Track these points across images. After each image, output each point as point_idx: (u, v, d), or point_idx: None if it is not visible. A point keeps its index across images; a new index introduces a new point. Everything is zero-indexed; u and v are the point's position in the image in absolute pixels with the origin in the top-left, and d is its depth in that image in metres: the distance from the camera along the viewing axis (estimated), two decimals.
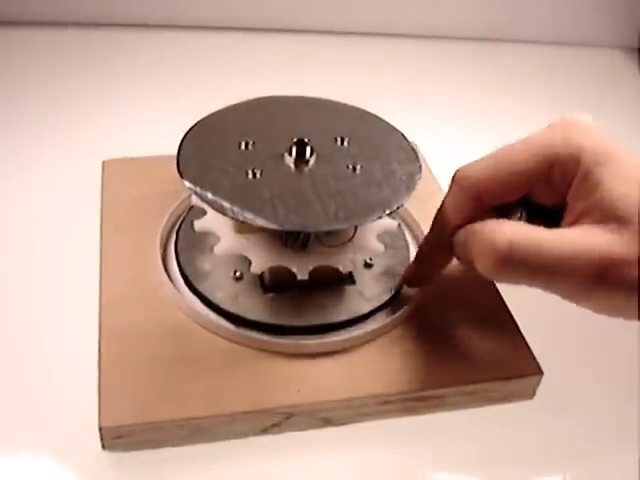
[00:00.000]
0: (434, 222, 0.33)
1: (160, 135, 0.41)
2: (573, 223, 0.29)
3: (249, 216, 0.31)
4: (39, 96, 0.53)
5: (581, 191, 0.29)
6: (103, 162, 0.44)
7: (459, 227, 0.31)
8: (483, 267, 0.29)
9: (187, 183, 0.33)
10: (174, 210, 0.40)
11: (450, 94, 0.57)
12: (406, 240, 0.40)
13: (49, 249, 0.41)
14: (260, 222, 0.31)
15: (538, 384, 0.34)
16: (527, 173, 0.30)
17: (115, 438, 0.30)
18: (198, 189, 0.33)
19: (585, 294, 0.28)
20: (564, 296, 0.29)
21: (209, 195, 0.32)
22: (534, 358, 0.34)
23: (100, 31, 0.61)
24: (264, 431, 0.32)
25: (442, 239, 0.32)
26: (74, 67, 0.57)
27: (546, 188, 0.30)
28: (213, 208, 0.32)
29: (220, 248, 0.35)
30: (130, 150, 0.44)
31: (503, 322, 0.36)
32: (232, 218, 0.32)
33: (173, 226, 0.40)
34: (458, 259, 0.32)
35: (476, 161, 0.31)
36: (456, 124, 0.54)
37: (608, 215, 0.27)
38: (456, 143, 0.51)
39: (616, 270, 0.26)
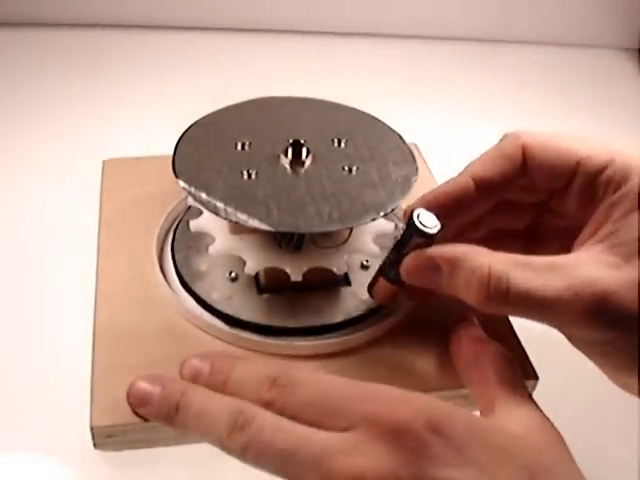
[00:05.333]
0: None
1: (160, 135, 0.41)
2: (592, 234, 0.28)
3: (242, 217, 0.31)
4: (39, 96, 0.54)
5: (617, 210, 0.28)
6: (103, 162, 0.44)
7: (484, 181, 0.31)
8: (470, 299, 0.28)
9: (182, 183, 0.33)
10: (172, 210, 0.40)
11: (451, 95, 0.57)
12: None
13: (47, 247, 0.41)
14: (253, 223, 0.31)
15: (533, 389, 0.34)
16: (583, 162, 0.29)
17: (107, 437, 0.30)
18: (192, 189, 0.33)
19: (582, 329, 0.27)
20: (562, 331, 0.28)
21: (203, 195, 0.32)
22: (529, 362, 0.34)
23: (100, 31, 0.62)
24: None
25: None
26: (74, 67, 0.58)
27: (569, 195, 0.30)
28: (207, 209, 0.32)
29: (214, 249, 0.35)
30: (130, 150, 0.44)
31: (499, 326, 0.36)
32: (226, 219, 0.32)
33: (171, 226, 0.40)
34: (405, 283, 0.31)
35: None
36: (457, 125, 0.54)
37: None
38: (457, 144, 0.51)
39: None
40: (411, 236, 0.30)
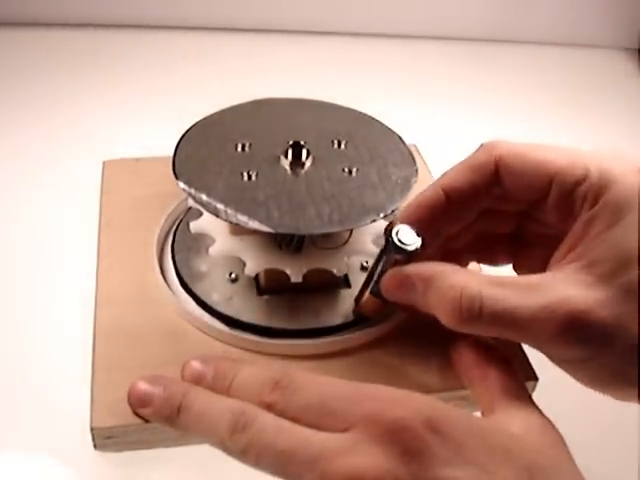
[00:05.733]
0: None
1: (160, 135, 0.41)
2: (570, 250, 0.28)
3: (243, 218, 0.31)
4: (39, 96, 0.54)
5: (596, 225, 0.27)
6: (103, 162, 0.44)
7: (455, 192, 0.31)
8: (443, 319, 0.28)
9: (182, 184, 0.33)
10: (172, 211, 0.40)
11: (451, 95, 0.57)
12: None
13: (47, 248, 0.41)
14: (254, 225, 0.31)
15: (533, 390, 0.34)
16: (558, 174, 0.29)
17: (107, 438, 0.30)
18: (192, 190, 0.33)
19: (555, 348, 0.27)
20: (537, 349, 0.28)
21: (203, 197, 0.32)
22: (529, 363, 0.34)
23: (100, 31, 0.62)
24: None
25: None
26: (74, 67, 0.58)
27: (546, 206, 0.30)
28: (207, 210, 0.32)
29: (214, 250, 0.35)
30: (130, 150, 0.44)
31: None
32: (226, 220, 0.32)
33: (171, 227, 0.40)
34: (385, 301, 0.32)
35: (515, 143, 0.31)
36: (458, 125, 0.54)
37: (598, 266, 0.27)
38: (457, 144, 0.51)
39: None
40: (390, 252, 0.30)
